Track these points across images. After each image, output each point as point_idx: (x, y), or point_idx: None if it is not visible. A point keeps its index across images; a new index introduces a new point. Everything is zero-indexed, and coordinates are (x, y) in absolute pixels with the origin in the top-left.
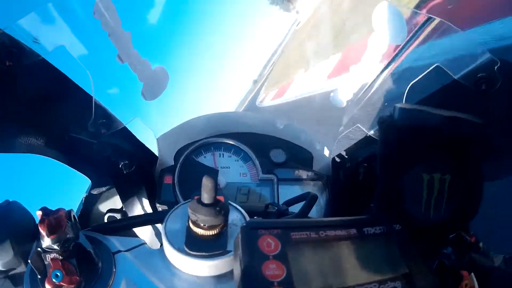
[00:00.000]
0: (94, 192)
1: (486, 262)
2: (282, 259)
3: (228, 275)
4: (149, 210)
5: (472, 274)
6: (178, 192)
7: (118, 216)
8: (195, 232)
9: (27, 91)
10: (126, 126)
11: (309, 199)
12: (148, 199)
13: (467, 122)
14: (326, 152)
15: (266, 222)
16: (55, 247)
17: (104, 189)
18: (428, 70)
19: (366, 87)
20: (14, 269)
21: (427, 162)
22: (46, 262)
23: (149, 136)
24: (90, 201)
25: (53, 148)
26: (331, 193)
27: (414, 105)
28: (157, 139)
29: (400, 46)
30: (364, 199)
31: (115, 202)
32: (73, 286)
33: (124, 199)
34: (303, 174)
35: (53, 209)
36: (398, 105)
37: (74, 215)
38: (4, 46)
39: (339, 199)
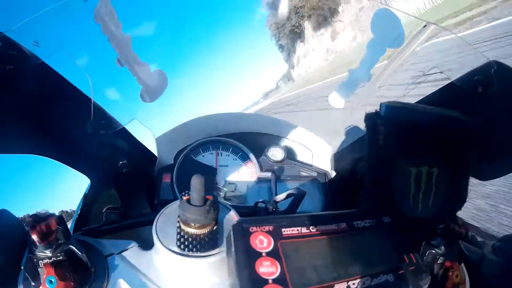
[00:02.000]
0: (94, 191)
1: (475, 251)
2: (275, 255)
3: (221, 274)
4: (148, 209)
5: (462, 264)
6: (176, 191)
7: (117, 215)
8: (186, 232)
9: (27, 93)
10: (125, 127)
11: (297, 196)
12: (147, 198)
13: (451, 118)
14: (326, 150)
15: (257, 220)
16: (48, 253)
17: (103, 188)
18: (426, 73)
19: (365, 88)
20: (7, 276)
21: (415, 155)
22: (39, 269)
23: (148, 136)
24: (90, 201)
25: (52, 148)
26: (330, 190)
27: (399, 103)
28: (157, 139)
29: (398, 50)
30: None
31: (115, 201)
32: None
33: (123, 198)
34: (302, 171)
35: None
36: (384, 103)
37: (64, 221)
38: (5, 49)
39: (337, 196)
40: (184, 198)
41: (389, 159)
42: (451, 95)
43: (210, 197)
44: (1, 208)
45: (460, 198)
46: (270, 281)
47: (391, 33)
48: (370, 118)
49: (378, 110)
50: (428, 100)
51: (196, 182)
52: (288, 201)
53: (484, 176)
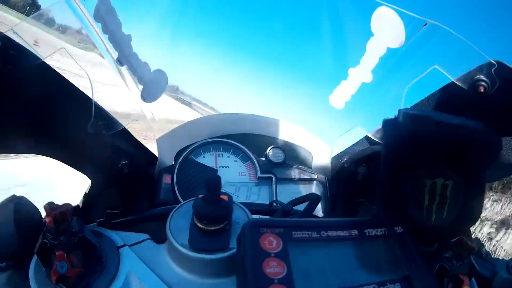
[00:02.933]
0: (94, 191)
1: (487, 268)
2: (283, 257)
3: (230, 272)
4: (148, 210)
5: (473, 279)
6: (177, 192)
7: (117, 216)
8: (198, 229)
9: (27, 93)
10: (125, 127)
11: (312, 200)
12: (148, 199)
13: (473, 130)
14: (326, 152)
15: (268, 221)
16: (61, 239)
17: (104, 188)
18: (426, 72)
19: (365, 88)
20: (20, 261)
21: (430, 167)
22: (51, 255)
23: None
24: (90, 200)
25: (53, 148)
26: (330, 192)
27: (419, 110)
28: (158, 140)
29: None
30: (362, 199)
31: (115, 201)
32: (77, 278)
33: (123, 199)
34: (302, 173)
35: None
36: (403, 110)
37: (80, 210)
38: (4, 49)
39: (337, 198)
40: (200, 196)
41: (404, 169)
42: (451, 94)
43: (225, 197)
44: (19, 195)
45: (475, 211)
46: (276, 281)
47: (391, 32)
48: (388, 126)
49: (396, 116)
50: (429, 100)
51: (212, 180)
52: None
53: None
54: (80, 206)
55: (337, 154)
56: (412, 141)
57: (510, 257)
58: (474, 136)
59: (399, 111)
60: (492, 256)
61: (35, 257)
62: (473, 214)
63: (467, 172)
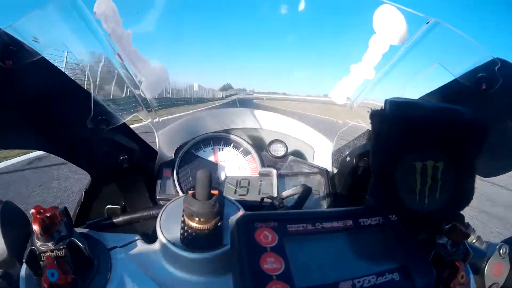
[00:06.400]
0: (94, 186)
1: (480, 252)
2: (280, 251)
3: (225, 269)
4: (149, 204)
5: (468, 265)
6: (177, 186)
7: (118, 210)
8: (190, 227)
9: (27, 89)
10: (125, 122)
11: (304, 192)
12: (148, 193)
13: (455, 112)
14: (327, 146)
15: (262, 215)
16: (50, 245)
17: (104, 183)
18: (429, 69)
19: (367, 85)
20: (10, 269)
21: (420, 150)
22: (41, 262)
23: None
24: (90, 196)
25: (53, 143)
26: (331, 187)
27: (404, 99)
28: (158, 134)
29: (401, 46)
30: (364, 193)
31: (115, 196)
32: (69, 284)
33: (124, 194)
34: (303, 167)
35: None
36: (389, 99)
37: (68, 213)
38: (5, 45)
39: (339, 193)
40: (190, 192)
41: (394, 155)
42: (454, 92)
43: (215, 192)
44: (5, 200)
45: (467, 193)
46: (274, 277)
47: (394, 30)
48: (375, 115)
49: (383, 107)
50: (431, 96)
51: (202, 176)
52: (293, 197)
53: (487, 172)
54: (81, 202)
55: (338, 149)
56: (399, 127)
57: (500, 241)
58: (456, 118)
59: (385, 100)
60: (484, 240)
61: (24, 265)
62: (466, 195)
63: (456, 153)
